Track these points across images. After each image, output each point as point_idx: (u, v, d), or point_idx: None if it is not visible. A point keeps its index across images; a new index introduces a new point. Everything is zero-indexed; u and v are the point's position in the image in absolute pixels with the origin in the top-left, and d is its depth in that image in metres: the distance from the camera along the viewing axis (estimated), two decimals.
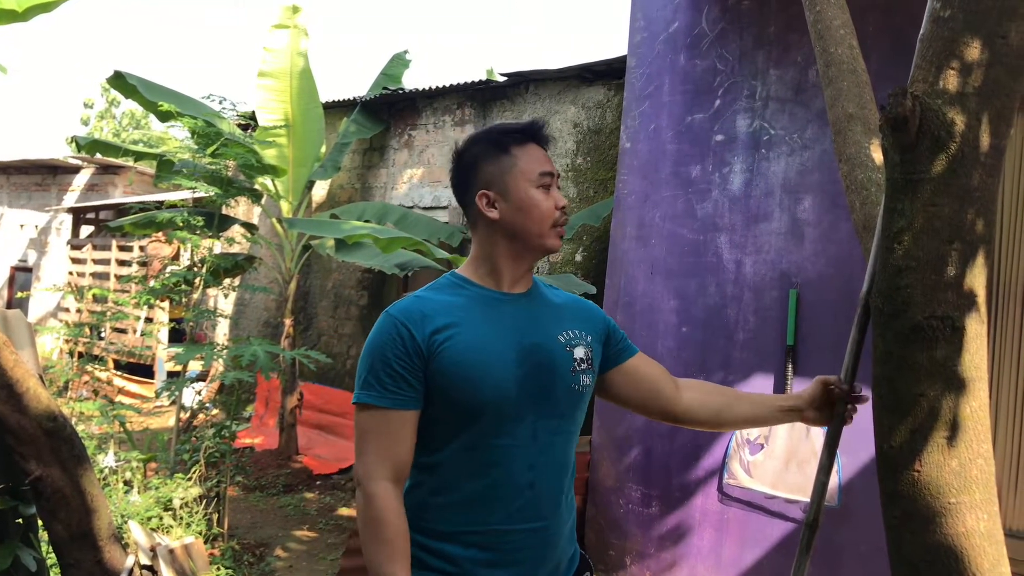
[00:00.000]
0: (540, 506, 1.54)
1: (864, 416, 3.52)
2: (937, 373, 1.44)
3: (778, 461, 3.68)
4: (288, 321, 7.27)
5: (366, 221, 6.60)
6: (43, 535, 2.82)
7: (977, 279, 1.44)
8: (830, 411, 1.70)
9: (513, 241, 1.61)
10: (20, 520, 2.67)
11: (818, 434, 3.58)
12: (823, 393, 1.69)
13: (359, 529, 1.51)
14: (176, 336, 10.80)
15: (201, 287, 5.84)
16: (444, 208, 7.43)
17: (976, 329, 1.45)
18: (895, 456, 1.48)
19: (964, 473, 1.43)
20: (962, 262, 1.42)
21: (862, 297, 1.63)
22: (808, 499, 3.57)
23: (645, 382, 1.76)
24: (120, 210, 12.14)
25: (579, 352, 1.62)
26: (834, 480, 3.53)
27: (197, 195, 6.47)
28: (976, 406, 1.44)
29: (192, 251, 6.14)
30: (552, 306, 1.68)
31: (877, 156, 2.00)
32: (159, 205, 6.78)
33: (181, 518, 4.46)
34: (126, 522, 3.88)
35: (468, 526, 1.51)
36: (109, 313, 8.03)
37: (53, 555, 2.77)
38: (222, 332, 9.71)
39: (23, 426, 2.51)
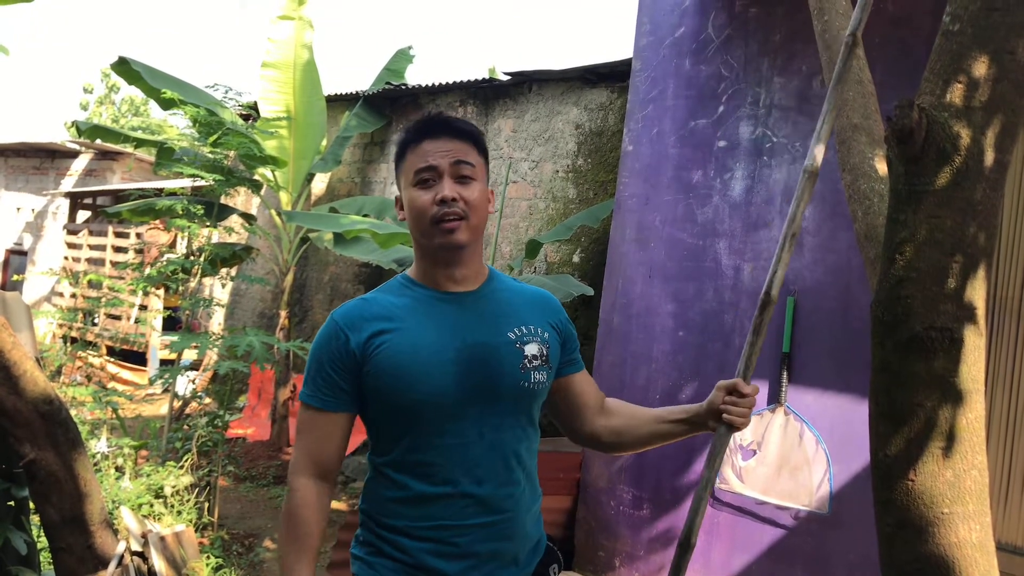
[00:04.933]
0: (493, 502, 1.54)
1: (857, 424, 3.54)
2: (935, 384, 1.45)
3: (770, 467, 3.70)
4: (283, 313, 7.27)
5: (365, 215, 6.61)
6: (35, 518, 2.82)
7: (977, 292, 1.45)
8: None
9: (416, 243, 1.63)
10: (12, 503, 2.67)
11: (811, 441, 3.59)
12: (722, 400, 1.61)
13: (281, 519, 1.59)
14: (170, 324, 10.79)
15: (198, 276, 5.84)
16: None
17: (974, 341, 1.46)
18: (890, 465, 1.50)
19: (958, 484, 1.44)
20: (963, 274, 1.44)
21: (763, 296, 1.61)
22: (799, 506, 3.59)
23: (575, 400, 1.75)
24: (118, 196, 12.11)
25: (531, 349, 1.60)
26: (825, 488, 3.54)
27: (196, 183, 6.46)
28: (972, 418, 1.46)
29: (190, 239, 6.14)
30: (506, 302, 1.66)
31: (881, 167, 2.01)
32: (158, 192, 6.78)
33: (172, 506, 4.46)
34: (117, 508, 3.88)
35: (420, 521, 1.52)
36: (104, 299, 8.02)
37: (44, 539, 2.77)
38: (217, 322, 9.70)
39: (19, 409, 2.51)
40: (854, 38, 1.70)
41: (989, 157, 1.42)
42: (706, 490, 1.59)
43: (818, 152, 1.64)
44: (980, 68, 1.42)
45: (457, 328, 1.57)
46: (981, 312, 1.46)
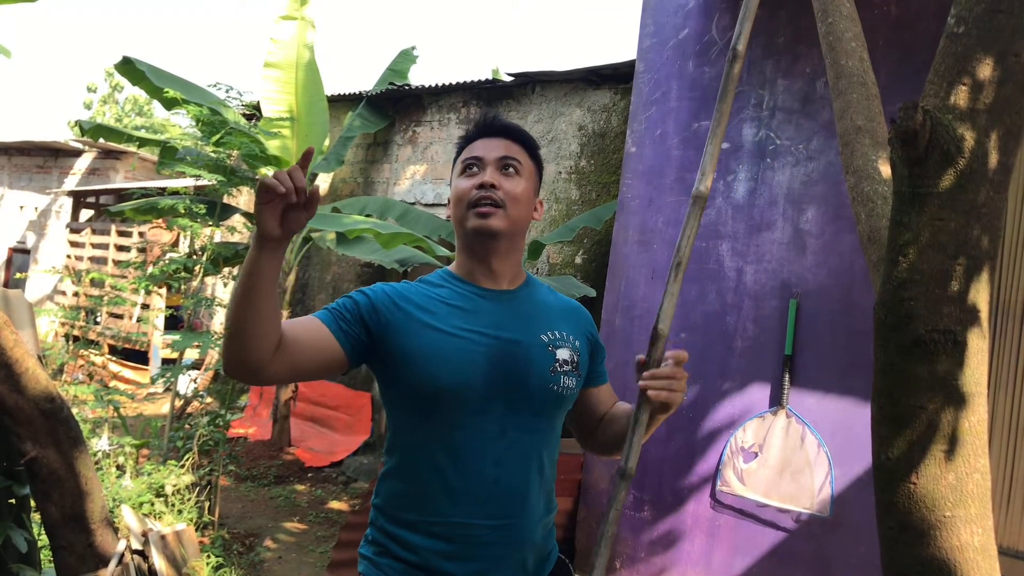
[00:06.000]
0: (504, 503, 1.53)
1: (859, 427, 3.54)
2: (937, 387, 1.44)
3: (771, 470, 3.69)
4: (285, 313, 7.28)
5: (368, 216, 6.61)
6: (36, 516, 2.82)
7: (980, 295, 1.45)
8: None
9: (457, 234, 1.66)
10: (13, 500, 2.67)
11: (813, 443, 3.59)
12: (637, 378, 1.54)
13: (233, 304, 1.40)
14: (172, 323, 10.80)
15: (201, 275, 5.84)
16: (446, 205, 7.41)
17: (978, 344, 1.45)
18: (892, 467, 1.49)
19: (960, 487, 1.44)
20: (966, 277, 1.43)
21: (652, 331, 1.52)
22: (800, 508, 3.58)
23: (593, 412, 1.74)
24: (121, 195, 12.13)
25: (562, 353, 1.60)
26: (826, 491, 3.54)
27: (199, 183, 6.46)
28: (975, 421, 1.45)
29: (192, 239, 6.14)
30: (541, 306, 1.67)
31: (884, 169, 2.00)
32: (161, 191, 6.79)
33: (173, 505, 4.45)
34: (118, 506, 3.88)
35: (430, 516, 1.51)
36: (106, 298, 8.02)
37: (45, 536, 2.77)
38: (219, 321, 9.70)
39: (21, 406, 2.51)
40: (735, 52, 1.67)
41: (993, 160, 1.42)
42: (632, 459, 1.53)
43: (707, 175, 1.57)
44: (985, 70, 1.42)
45: (491, 323, 1.57)
46: (984, 315, 1.46)
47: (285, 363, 1.45)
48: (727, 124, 1.65)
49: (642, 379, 1.49)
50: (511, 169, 1.61)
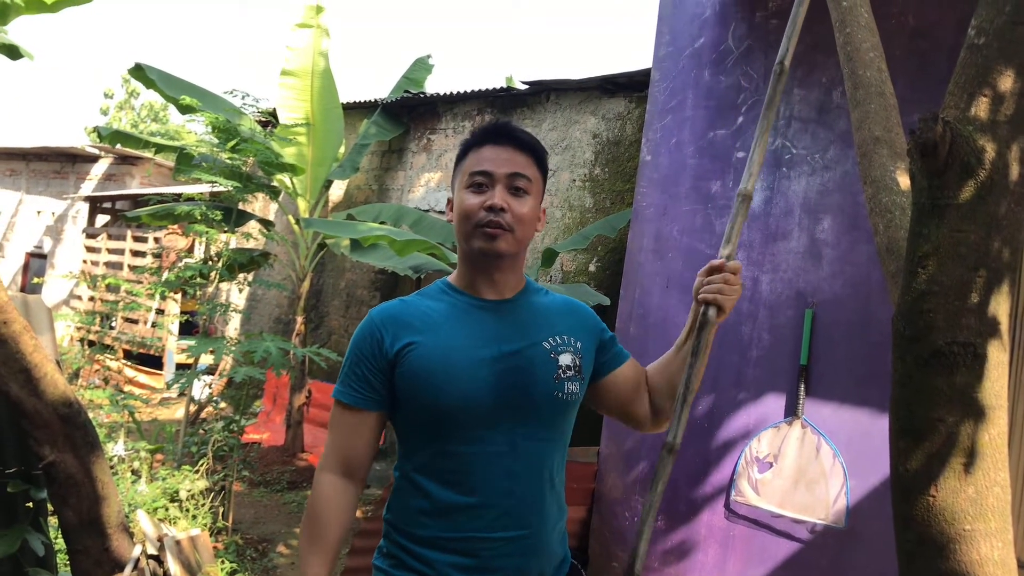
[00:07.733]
0: (520, 515, 1.52)
1: (875, 438, 3.51)
2: (956, 399, 1.44)
3: (786, 480, 3.67)
4: (300, 319, 7.30)
5: (382, 223, 6.63)
6: (52, 520, 2.84)
7: (1001, 307, 1.44)
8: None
9: (459, 247, 1.64)
10: (30, 504, 2.69)
11: (828, 454, 3.57)
12: (699, 284, 1.66)
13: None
14: (187, 329, 10.85)
15: (216, 281, 5.87)
16: None
17: (998, 357, 1.44)
18: (911, 480, 1.48)
19: (980, 500, 1.43)
20: (986, 289, 1.42)
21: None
22: (815, 519, 3.56)
23: (630, 387, 1.74)
24: (137, 201, 12.22)
25: (565, 359, 1.59)
26: (842, 502, 3.52)
27: (215, 189, 6.51)
28: (995, 434, 1.44)
29: (208, 245, 6.19)
30: (541, 311, 1.66)
31: (903, 180, 2.00)
32: (176, 197, 6.83)
33: (187, 510, 4.48)
34: (133, 511, 3.90)
35: (446, 532, 1.51)
36: (121, 303, 8.08)
37: (61, 541, 2.79)
38: (233, 327, 9.75)
39: (39, 411, 2.53)
40: (782, 67, 1.73)
41: (1014, 171, 1.41)
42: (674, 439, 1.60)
43: (753, 176, 1.68)
44: (1006, 82, 1.41)
45: (492, 336, 1.56)
46: (1004, 327, 1.45)
47: (366, 474, 1.62)
48: (771, 130, 1.75)
49: (702, 286, 1.62)
50: (520, 190, 1.58)
